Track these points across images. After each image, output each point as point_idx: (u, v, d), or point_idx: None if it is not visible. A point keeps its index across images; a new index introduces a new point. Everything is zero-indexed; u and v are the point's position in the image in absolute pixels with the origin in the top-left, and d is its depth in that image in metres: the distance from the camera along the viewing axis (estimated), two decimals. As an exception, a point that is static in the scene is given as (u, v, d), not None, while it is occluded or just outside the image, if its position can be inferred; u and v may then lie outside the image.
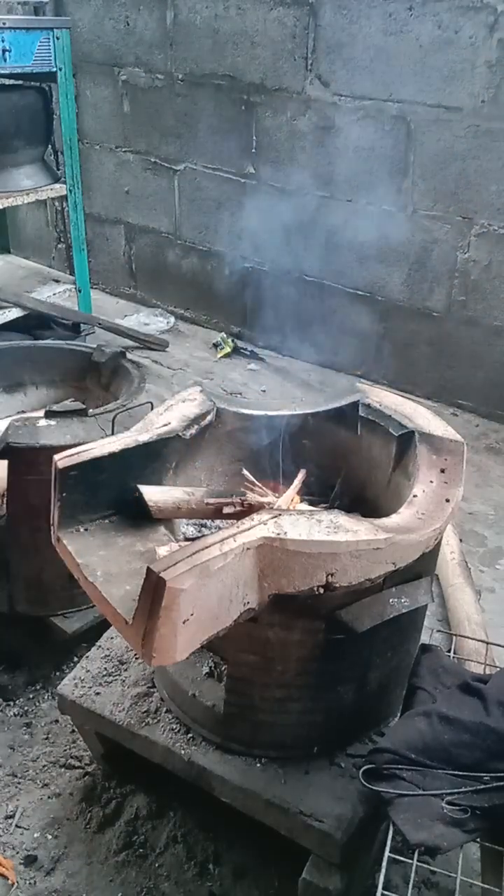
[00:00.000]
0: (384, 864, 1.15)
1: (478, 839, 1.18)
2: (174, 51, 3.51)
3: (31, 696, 1.90)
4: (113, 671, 1.61)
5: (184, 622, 1.03)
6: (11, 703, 1.88)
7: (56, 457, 1.34)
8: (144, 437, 1.43)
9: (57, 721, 1.82)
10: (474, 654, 1.71)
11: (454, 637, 1.79)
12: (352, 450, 1.65)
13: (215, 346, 3.72)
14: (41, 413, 1.92)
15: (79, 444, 1.39)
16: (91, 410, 1.90)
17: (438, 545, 1.38)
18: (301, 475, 1.62)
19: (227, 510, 1.32)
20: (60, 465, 1.32)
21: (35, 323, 3.42)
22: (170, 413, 1.53)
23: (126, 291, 4.24)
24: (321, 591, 1.18)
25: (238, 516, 1.24)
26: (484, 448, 2.98)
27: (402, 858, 1.19)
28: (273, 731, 1.40)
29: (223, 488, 1.58)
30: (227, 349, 3.67)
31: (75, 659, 1.96)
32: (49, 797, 1.67)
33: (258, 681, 1.35)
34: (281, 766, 1.39)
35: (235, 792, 1.38)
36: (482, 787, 1.16)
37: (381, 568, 1.22)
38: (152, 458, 1.44)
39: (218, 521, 1.48)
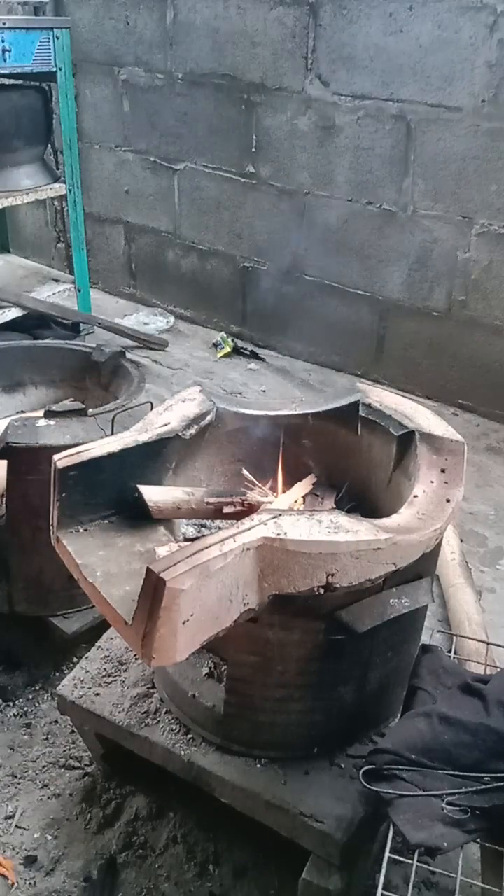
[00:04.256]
0: (384, 864, 1.15)
1: (478, 839, 1.18)
2: (174, 50, 3.51)
3: (30, 696, 1.90)
4: (113, 672, 1.61)
5: (184, 623, 1.03)
6: (11, 704, 1.88)
7: (55, 457, 1.34)
8: (144, 437, 1.43)
9: (57, 721, 1.82)
10: (475, 654, 1.71)
11: (454, 637, 1.78)
12: (352, 450, 1.65)
13: (215, 345, 3.72)
14: (41, 413, 1.92)
15: (78, 444, 1.39)
16: (91, 410, 1.89)
17: (439, 545, 1.38)
18: (310, 479, 1.62)
19: (227, 510, 1.32)
20: (60, 465, 1.32)
21: (35, 323, 3.42)
22: (169, 413, 1.53)
23: (126, 291, 4.24)
24: (321, 591, 1.18)
25: (238, 516, 1.24)
26: (484, 448, 2.98)
27: (402, 859, 1.19)
28: (273, 731, 1.40)
29: (223, 488, 1.58)
30: (227, 349, 3.67)
31: (75, 659, 1.95)
32: (49, 797, 1.67)
33: (258, 681, 1.34)
34: (281, 767, 1.39)
35: (235, 792, 1.38)
36: (482, 787, 1.16)
37: (382, 568, 1.21)
38: (152, 458, 1.44)
39: (218, 521, 1.48)
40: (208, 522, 1.57)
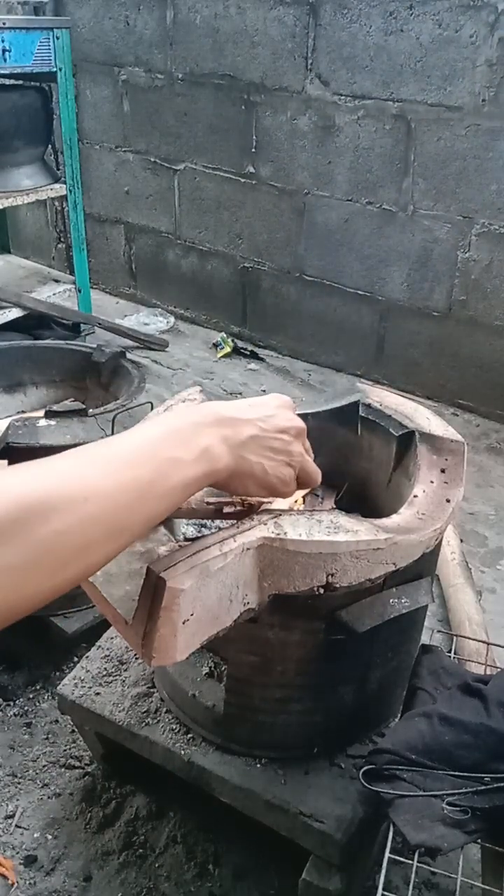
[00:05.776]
0: (384, 864, 1.14)
1: (478, 840, 1.17)
2: (174, 50, 3.51)
3: (31, 696, 1.90)
4: (113, 671, 1.61)
5: (184, 622, 1.03)
6: (11, 703, 1.88)
7: (56, 457, 1.33)
8: (144, 437, 1.42)
9: (57, 721, 1.82)
10: (475, 654, 1.71)
11: (455, 637, 1.78)
12: (352, 450, 1.65)
13: (215, 346, 3.72)
14: (41, 413, 1.92)
15: (79, 445, 1.39)
16: (91, 410, 1.89)
17: (439, 545, 1.38)
18: None
19: (227, 510, 1.31)
20: (60, 465, 1.32)
21: (35, 323, 3.42)
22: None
23: (126, 291, 4.24)
24: (321, 591, 1.18)
25: (238, 516, 1.24)
26: (484, 448, 2.98)
27: (402, 859, 1.18)
28: (273, 731, 1.39)
29: (223, 488, 1.58)
30: (227, 349, 3.67)
31: (75, 659, 1.95)
32: (49, 797, 1.67)
33: (258, 681, 1.34)
34: (281, 767, 1.39)
35: (235, 792, 1.38)
36: (483, 787, 1.16)
37: (382, 568, 1.21)
38: (152, 458, 1.43)
39: (218, 521, 1.47)
40: (208, 522, 1.56)
